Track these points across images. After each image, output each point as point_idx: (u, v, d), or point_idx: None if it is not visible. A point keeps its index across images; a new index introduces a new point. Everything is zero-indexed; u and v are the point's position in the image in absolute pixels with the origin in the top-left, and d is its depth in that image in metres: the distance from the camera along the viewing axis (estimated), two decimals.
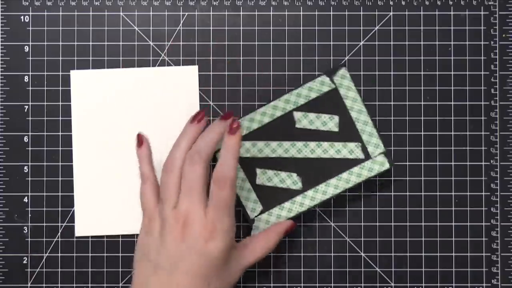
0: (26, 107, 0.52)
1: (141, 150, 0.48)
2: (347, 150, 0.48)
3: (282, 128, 0.49)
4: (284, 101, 0.49)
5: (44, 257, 0.51)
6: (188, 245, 0.42)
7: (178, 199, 0.44)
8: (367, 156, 0.49)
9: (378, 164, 0.49)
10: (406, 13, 0.52)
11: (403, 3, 0.53)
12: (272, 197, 0.49)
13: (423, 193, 0.52)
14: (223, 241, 0.43)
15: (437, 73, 0.52)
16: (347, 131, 0.49)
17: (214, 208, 0.43)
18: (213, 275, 0.43)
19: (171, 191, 0.44)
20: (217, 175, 0.43)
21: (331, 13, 0.52)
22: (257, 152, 0.49)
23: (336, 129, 0.49)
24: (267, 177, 0.49)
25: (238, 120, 0.44)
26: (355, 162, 0.49)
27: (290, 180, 0.49)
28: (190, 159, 0.44)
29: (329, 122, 0.49)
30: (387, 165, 0.49)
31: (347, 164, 0.49)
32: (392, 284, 0.51)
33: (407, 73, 0.52)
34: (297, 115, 0.49)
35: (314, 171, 0.49)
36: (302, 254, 0.51)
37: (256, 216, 0.49)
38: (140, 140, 0.48)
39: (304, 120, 0.49)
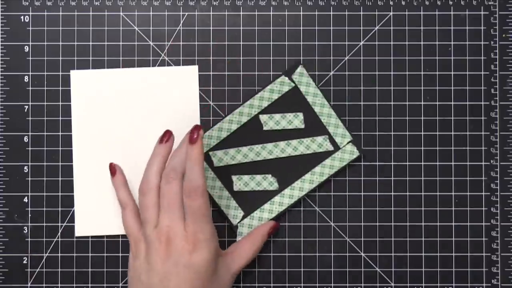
0: (26, 107, 0.52)
1: (115, 178, 0.49)
2: (316, 144, 0.50)
3: (251, 133, 0.50)
4: (249, 106, 0.50)
5: (44, 257, 0.51)
6: (174, 261, 0.42)
7: (159, 218, 0.44)
8: (336, 147, 0.50)
9: (348, 153, 0.50)
10: (406, 13, 0.52)
11: (403, 3, 0.53)
12: (251, 201, 0.50)
13: (423, 193, 0.52)
14: (208, 250, 0.43)
15: (437, 73, 0.52)
16: (313, 126, 0.50)
17: (192, 220, 0.43)
18: (204, 286, 0.43)
19: (150, 211, 0.45)
20: (187, 187, 0.43)
21: (331, 13, 0.52)
22: (230, 160, 0.49)
23: (302, 126, 0.50)
24: (244, 183, 0.50)
25: (198, 130, 0.44)
26: (325, 154, 0.50)
27: (266, 182, 0.50)
28: (166, 177, 0.44)
29: (295, 120, 0.50)
30: (356, 153, 0.50)
31: (318, 157, 0.50)
32: (392, 284, 0.51)
33: (407, 73, 0.52)
34: (263, 118, 0.50)
35: (288, 170, 0.50)
36: (302, 254, 0.51)
37: (239, 222, 0.50)
38: (113, 169, 0.50)
39: (270, 122, 0.50)
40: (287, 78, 0.50)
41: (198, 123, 0.52)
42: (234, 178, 0.50)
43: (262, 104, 0.50)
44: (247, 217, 0.50)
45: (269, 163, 0.50)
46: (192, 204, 0.43)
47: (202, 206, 0.43)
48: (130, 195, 0.49)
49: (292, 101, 0.50)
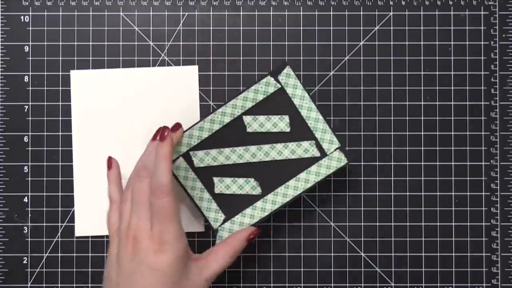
0: (26, 107, 0.52)
1: (110, 172, 0.49)
2: (302, 149, 0.48)
3: (234, 134, 0.48)
4: (232, 107, 0.48)
5: (44, 257, 0.51)
6: (139, 261, 0.41)
7: (130, 216, 0.43)
8: (323, 153, 0.48)
9: (335, 160, 0.48)
10: (406, 13, 0.52)
11: (403, 3, 0.53)
12: (233, 205, 0.48)
13: (423, 193, 0.52)
14: (173, 252, 0.41)
15: (437, 73, 0.52)
16: (300, 130, 0.48)
17: (157, 220, 0.42)
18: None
19: (126, 208, 0.44)
20: (152, 185, 0.42)
21: (331, 13, 0.52)
22: (211, 161, 0.48)
23: (288, 129, 0.48)
24: (225, 185, 0.48)
25: (173, 128, 0.44)
26: (311, 160, 0.48)
27: (248, 186, 0.48)
28: (137, 175, 0.44)
29: (280, 123, 0.48)
30: (344, 160, 0.47)
31: (304, 163, 0.48)
32: (392, 284, 0.51)
33: (407, 73, 0.52)
34: (246, 119, 0.48)
35: (272, 174, 0.48)
36: (302, 254, 0.51)
37: (219, 226, 0.48)
38: (110, 163, 0.50)
39: (254, 124, 0.48)
40: (272, 78, 0.48)
41: None
42: (215, 180, 0.48)
43: (245, 104, 0.48)
44: (228, 221, 0.48)
45: (252, 166, 0.48)
46: (157, 203, 0.41)
47: (167, 205, 0.41)
48: (121, 192, 0.48)
49: (278, 103, 0.48)
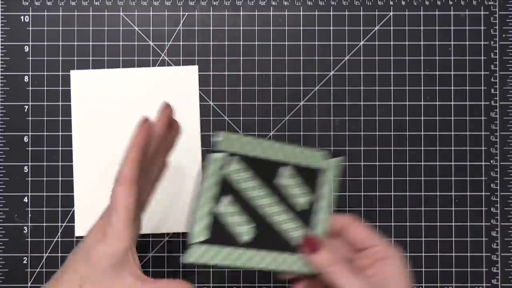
0: (26, 107, 0.52)
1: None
2: (299, 233, 0.42)
3: (265, 173, 0.41)
4: (279, 148, 0.42)
5: (44, 257, 0.51)
6: (85, 243, 0.39)
7: None
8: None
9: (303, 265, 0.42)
10: (406, 13, 0.52)
11: (403, 3, 0.53)
12: (220, 233, 0.40)
13: (423, 193, 0.52)
14: (110, 246, 0.38)
15: (437, 73, 0.52)
16: (306, 217, 0.42)
17: (108, 208, 0.39)
18: (90, 280, 0.38)
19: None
20: (117, 172, 0.39)
21: (331, 13, 0.52)
22: (235, 176, 0.41)
23: (301, 208, 0.42)
24: (228, 211, 0.41)
25: (150, 121, 0.41)
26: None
27: (244, 227, 0.41)
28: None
29: (301, 198, 0.42)
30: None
31: (293, 247, 0.42)
32: None
33: (407, 73, 0.52)
34: (283, 170, 0.42)
35: (270, 235, 0.42)
36: None
37: (195, 243, 0.39)
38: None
39: (285, 180, 0.42)
40: (324, 158, 0.42)
41: (198, 123, 0.52)
42: (224, 200, 0.40)
43: (289, 158, 0.42)
44: (206, 245, 0.40)
45: (261, 216, 0.41)
46: (113, 190, 0.39)
47: (117, 197, 0.38)
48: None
49: (312, 178, 0.42)
